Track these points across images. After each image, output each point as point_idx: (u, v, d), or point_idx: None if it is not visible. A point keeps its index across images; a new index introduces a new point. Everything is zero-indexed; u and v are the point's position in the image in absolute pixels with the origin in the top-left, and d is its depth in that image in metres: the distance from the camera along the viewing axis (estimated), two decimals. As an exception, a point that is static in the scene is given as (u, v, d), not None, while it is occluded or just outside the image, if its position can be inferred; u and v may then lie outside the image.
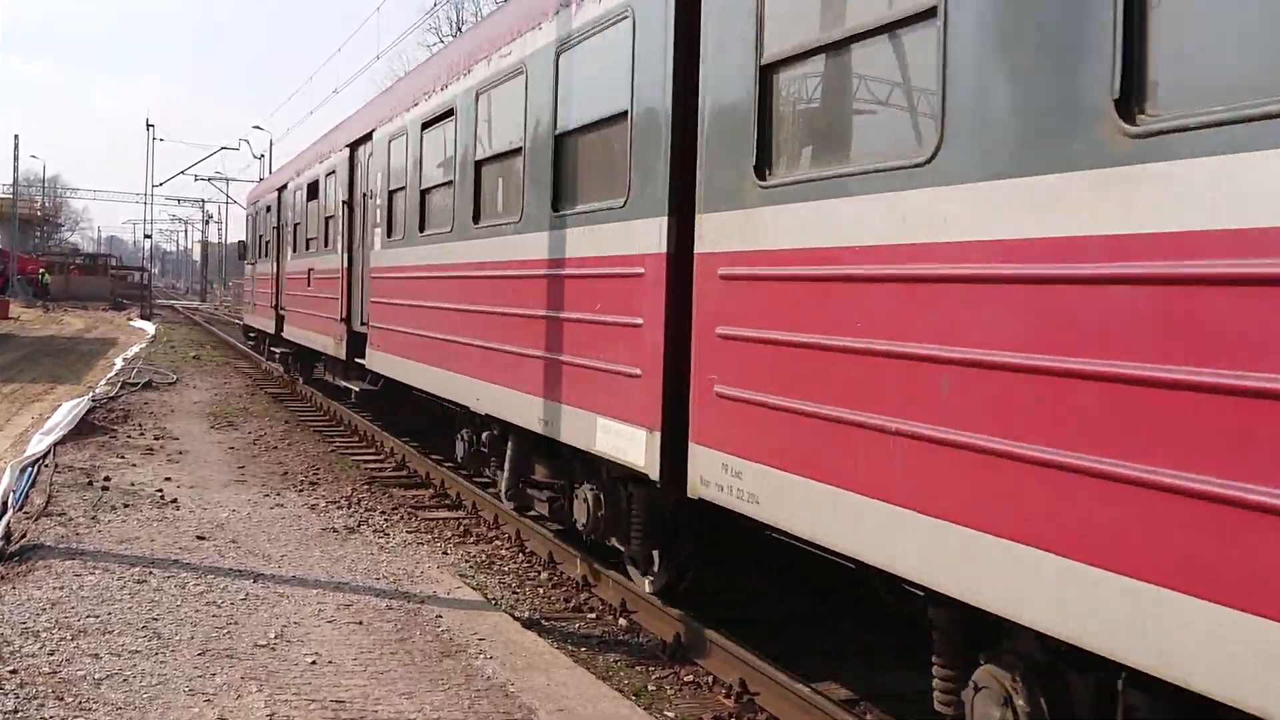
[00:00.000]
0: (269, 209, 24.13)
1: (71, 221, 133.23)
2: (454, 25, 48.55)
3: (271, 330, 23.70)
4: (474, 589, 7.98)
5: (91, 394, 17.93)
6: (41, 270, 67.90)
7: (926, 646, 4.70)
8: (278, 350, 23.79)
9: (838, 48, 4.97)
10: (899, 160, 4.40)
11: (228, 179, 73.54)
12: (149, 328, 42.71)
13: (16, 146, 72.14)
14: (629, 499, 7.39)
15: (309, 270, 18.55)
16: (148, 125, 64.17)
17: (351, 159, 15.43)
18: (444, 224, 10.58)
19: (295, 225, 20.54)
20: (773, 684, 5.94)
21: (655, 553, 7.48)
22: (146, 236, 71.35)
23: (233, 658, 6.15)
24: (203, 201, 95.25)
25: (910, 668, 6.33)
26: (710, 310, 5.79)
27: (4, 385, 21.11)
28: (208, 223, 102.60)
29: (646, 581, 7.61)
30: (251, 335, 30.87)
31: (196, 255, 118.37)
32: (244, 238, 31.46)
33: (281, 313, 22.15)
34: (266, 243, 24.48)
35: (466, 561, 8.97)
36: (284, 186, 22.15)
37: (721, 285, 5.69)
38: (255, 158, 65.60)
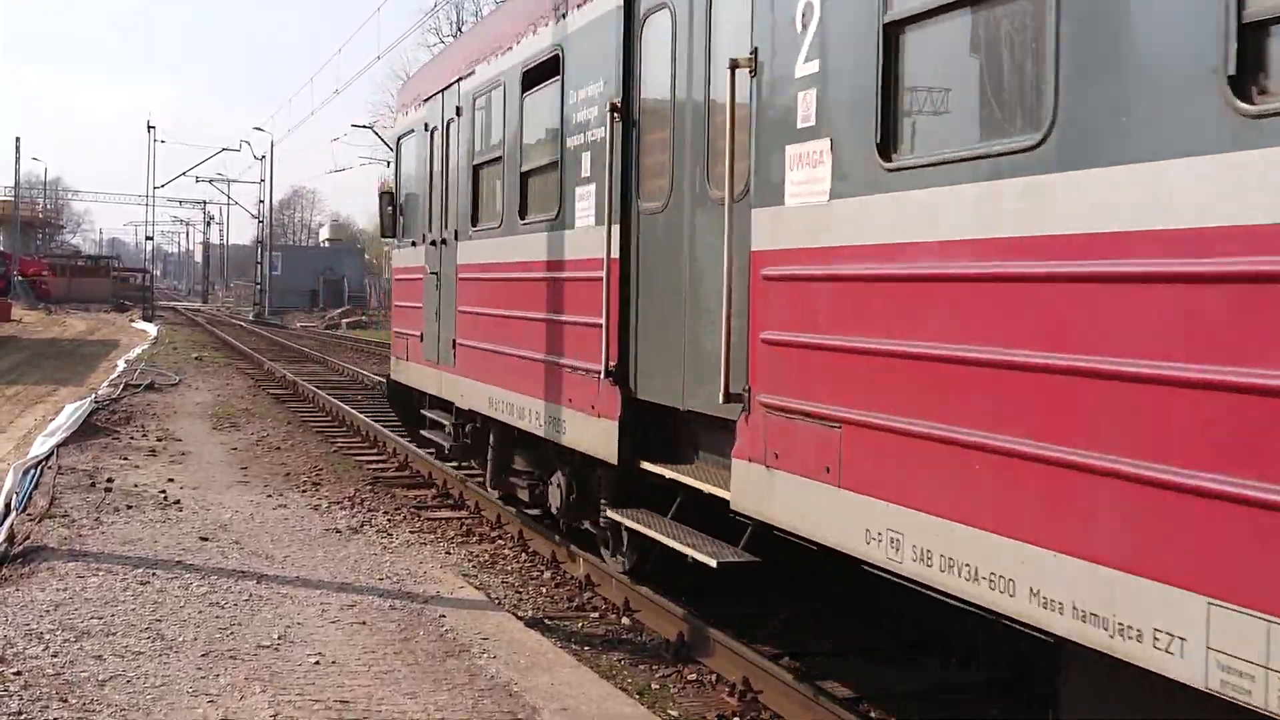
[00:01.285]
0: (528, 81, 8.64)
1: (73, 224, 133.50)
2: (454, 26, 48.57)
3: (559, 438, 7.90)
4: (477, 589, 7.99)
5: (94, 396, 17.95)
6: (18, 275, 66.72)
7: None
8: (632, 525, 7.02)
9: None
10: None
11: (229, 180, 73.72)
12: (151, 329, 42.79)
13: (18, 149, 72.27)
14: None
15: None
16: (149, 127, 64.27)
17: None
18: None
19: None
20: (776, 683, 5.95)
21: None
22: (148, 238, 71.41)
23: (236, 659, 6.16)
24: (204, 203, 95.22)
25: (911, 668, 6.35)
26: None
27: (7, 387, 21.15)
28: (209, 224, 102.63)
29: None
30: (422, 418, 12.04)
31: (198, 257, 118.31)
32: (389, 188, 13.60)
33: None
34: (500, 185, 9.43)
35: (470, 561, 8.98)
36: None
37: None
38: (256, 159, 65.65)
